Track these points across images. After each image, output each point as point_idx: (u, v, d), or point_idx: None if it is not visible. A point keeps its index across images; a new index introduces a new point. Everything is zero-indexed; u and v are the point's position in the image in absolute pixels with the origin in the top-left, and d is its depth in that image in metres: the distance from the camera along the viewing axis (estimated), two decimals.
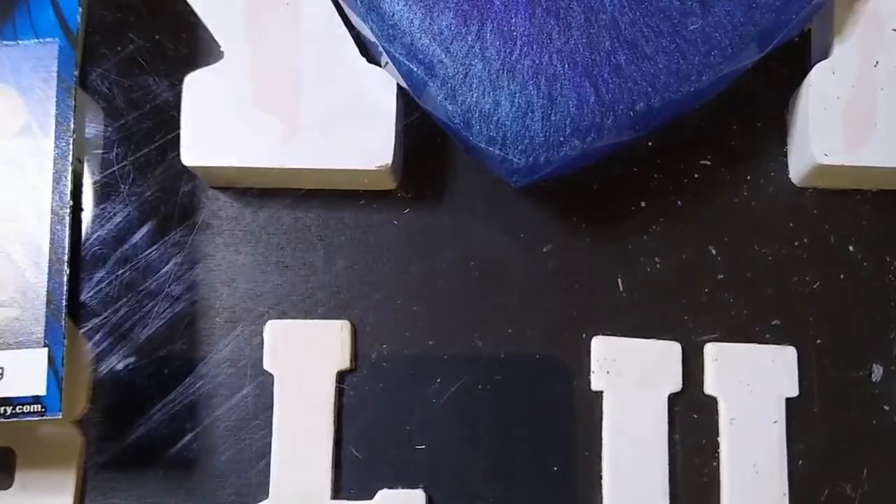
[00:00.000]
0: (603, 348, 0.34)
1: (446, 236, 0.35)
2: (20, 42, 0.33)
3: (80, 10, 0.34)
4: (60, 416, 0.31)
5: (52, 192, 0.33)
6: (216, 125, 0.33)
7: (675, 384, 0.33)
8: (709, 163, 0.36)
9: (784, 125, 0.36)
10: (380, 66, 0.33)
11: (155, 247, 0.36)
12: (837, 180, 0.35)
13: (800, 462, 0.33)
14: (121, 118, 0.36)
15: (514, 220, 0.36)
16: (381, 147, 0.33)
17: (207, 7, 0.35)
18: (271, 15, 0.34)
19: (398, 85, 0.33)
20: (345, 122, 0.33)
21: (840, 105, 0.33)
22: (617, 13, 0.32)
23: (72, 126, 0.33)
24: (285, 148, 0.33)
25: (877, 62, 0.34)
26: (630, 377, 0.34)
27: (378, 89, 0.33)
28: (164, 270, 0.35)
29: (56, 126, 0.33)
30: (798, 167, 0.35)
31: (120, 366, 0.35)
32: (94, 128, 0.37)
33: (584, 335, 0.34)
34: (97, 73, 0.37)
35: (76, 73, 0.33)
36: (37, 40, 0.33)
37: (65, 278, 0.31)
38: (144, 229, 0.36)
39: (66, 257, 0.32)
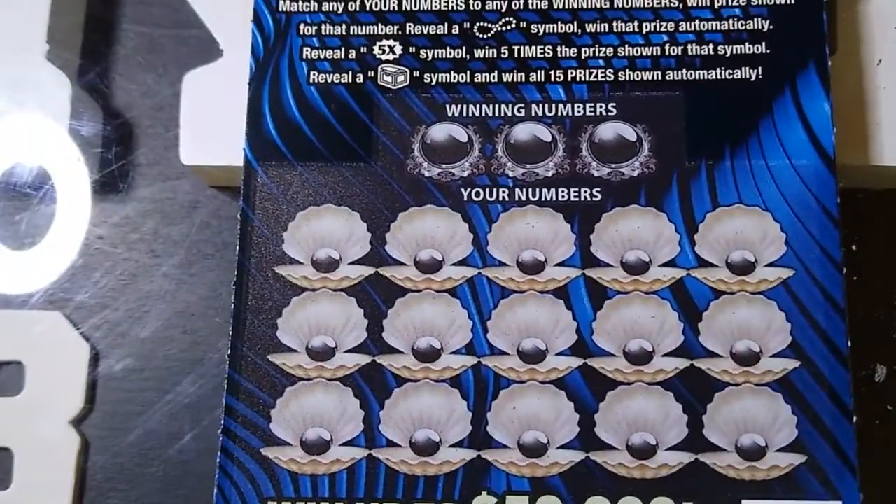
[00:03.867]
0: None
1: None
2: (769, 163, 0.29)
3: (834, 129, 0.29)
4: None
5: None
6: (215, 124, 0.31)
7: None
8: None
9: None
10: None
11: (154, 246, 0.35)
12: (840, 179, 0.35)
13: None
14: (120, 117, 0.35)
15: None
16: None
17: (207, 7, 0.33)
18: None
19: None
20: None
21: (843, 103, 0.34)
22: None
23: (841, 260, 0.28)
24: None
25: (879, 60, 0.32)
26: None
27: None
28: (163, 270, 0.34)
29: (826, 263, 0.28)
30: None
31: (119, 366, 0.33)
32: (93, 126, 0.35)
33: None
34: (96, 72, 0.35)
35: (837, 200, 0.29)
36: (788, 161, 0.29)
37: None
38: (143, 228, 0.34)
39: None
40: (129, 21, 0.36)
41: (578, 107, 0.30)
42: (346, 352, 0.29)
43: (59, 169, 0.34)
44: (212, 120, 0.32)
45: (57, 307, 0.33)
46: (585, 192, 0.29)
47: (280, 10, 0.31)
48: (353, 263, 0.29)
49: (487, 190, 0.29)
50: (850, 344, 0.28)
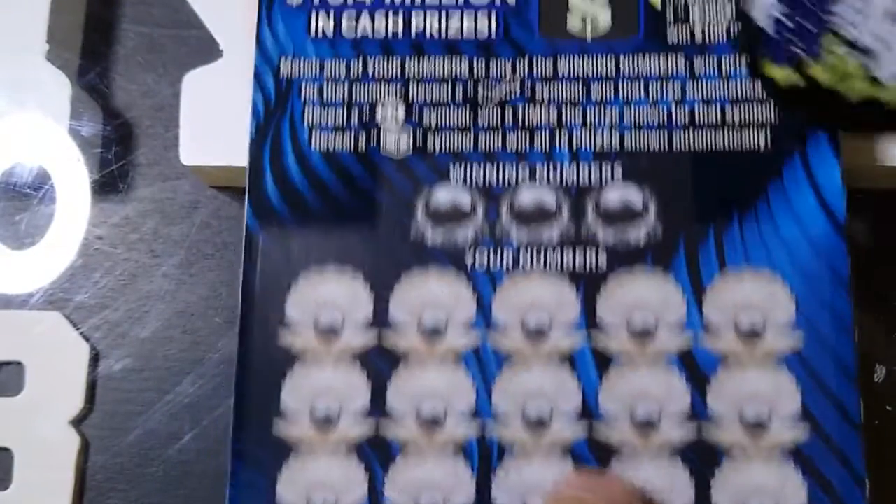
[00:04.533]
0: None
1: None
2: (779, 225, 0.29)
3: (845, 191, 0.29)
4: None
5: None
6: (215, 125, 0.31)
7: None
8: None
9: None
10: None
11: (154, 246, 0.34)
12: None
13: None
14: (120, 117, 0.35)
15: None
16: None
17: (207, 7, 0.33)
18: None
19: None
20: None
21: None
22: None
23: (852, 325, 0.28)
24: None
25: None
26: None
27: None
28: (163, 270, 0.34)
29: (837, 328, 0.28)
30: None
31: (119, 366, 0.33)
32: (92, 126, 0.34)
33: None
34: (96, 72, 0.35)
35: (849, 264, 0.28)
36: (798, 228, 0.29)
37: None
38: (143, 229, 0.34)
39: None
40: (129, 21, 0.36)
41: (584, 171, 0.29)
42: (350, 420, 0.28)
43: (59, 169, 0.34)
44: (212, 120, 0.32)
45: (57, 307, 0.33)
46: (591, 256, 0.29)
47: (281, 71, 0.31)
48: (356, 329, 0.29)
49: (492, 255, 0.29)
50: (862, 412, 0.28)
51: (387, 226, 0.29)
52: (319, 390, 0.28)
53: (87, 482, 0.32)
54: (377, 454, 0.28)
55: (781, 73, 0.28)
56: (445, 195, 0.29)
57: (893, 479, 0.32)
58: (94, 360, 0.33)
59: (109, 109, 0.35)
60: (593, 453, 0.28)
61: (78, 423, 0.32)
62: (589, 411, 0.28)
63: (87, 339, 0.33)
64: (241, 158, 0.30)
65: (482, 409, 0.28)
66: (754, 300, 0.28)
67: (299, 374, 0.28)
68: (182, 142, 0.32)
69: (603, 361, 0.28)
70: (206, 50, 0.34)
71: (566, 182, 0.29)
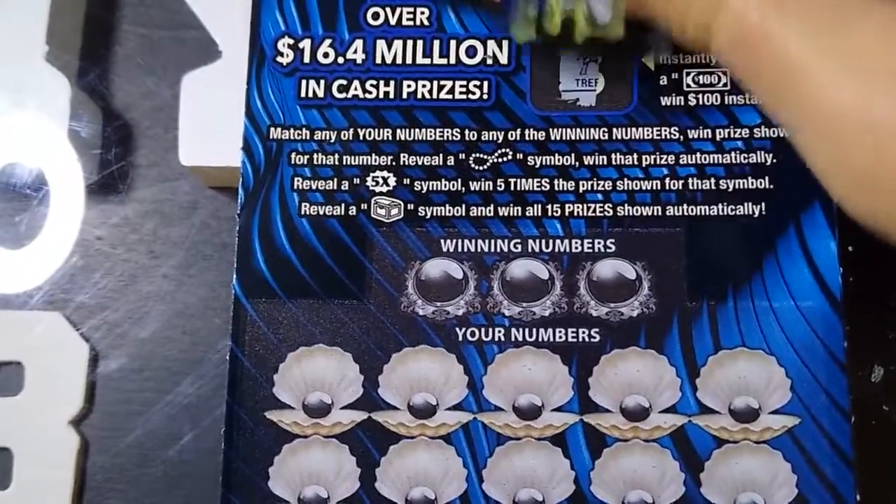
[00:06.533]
0: None
1: None
2: (773, 304, 0.28)
3: (841, 270, 0.28)
4: None
5: None
6: (215, 125, 0.31)
7: None
8: None
9: None
10: None
11: (154, 247, 0.34)
12: None
13: None
14: (119, 118, 0.35)
15: None
16: None
17: (206, 8, 0.33)
18: None
19: None
20: None
21: None
22: None
23: (849, 408, 0.27)
24: None
25: None
26: None
27: None
28: (162, 271, 0.34)
29: (833, 411, 0.27)
30: None
31: (118, 366, 0.33)
32: (92, 128, 0.34)
33: None
34: (96, 73, 0.35)
35: (845, 344, 0.27)
36: (793, 303, 0.28)
37: None
38: (143, 229, 0.34)
39: None
40: (129, 22, 0.36)
41: (576, 243, 0.29)
42: (339, 503, 0.28)
43: (59, 170, 0.34)
44: (211, 121, 0.32)
45: (57, 308, 0.33)
46: (584, 332, 0.28)
47: (271, 137, 0.30)
48: (345, 408, 0.28)
49: (483, 330, 0.28)
50: (859, 498, 0.27)
51: (377, 300, 0.29)
52: (307, 473, 0.28)
53: (87, 482, 0.32)
54: None
55: (522, 33, 0.28)
56: (436, 268, 0.29)
57: (890, 480, 0.32)
58: (94, 360, 0.33)
59: (109, 111, 0.35)
60: None
61: (77, 423, 0.32)
62: (581, 496, 0.27)
63: (86, 339, 0.33)
64: (239, 160, 0.30)
65: (473, 493, 0.27)
66: (749, 381, 0.28)
67: (287, 455, 0.28)
68: (181, 143, 0.32)
69: (595, 442, 0.27)
70: (205, 51, 0.34)
71: (558, 255, 0.29)
